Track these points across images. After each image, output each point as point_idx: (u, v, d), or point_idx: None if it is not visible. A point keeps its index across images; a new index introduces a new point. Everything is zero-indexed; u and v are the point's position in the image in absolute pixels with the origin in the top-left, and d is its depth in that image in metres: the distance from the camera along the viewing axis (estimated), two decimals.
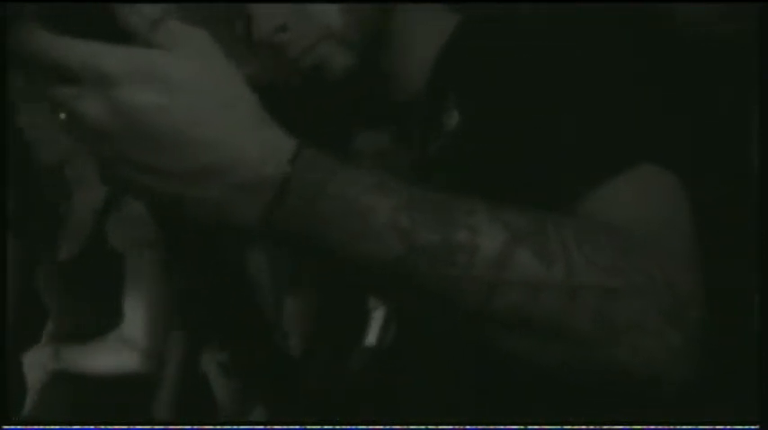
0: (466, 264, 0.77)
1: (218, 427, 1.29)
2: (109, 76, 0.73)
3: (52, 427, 1.02)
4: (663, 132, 0.93)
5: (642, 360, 0.79)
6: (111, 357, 2.71)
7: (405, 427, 0.93)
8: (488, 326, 0.79)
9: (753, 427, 0.89)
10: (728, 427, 0.88)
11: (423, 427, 0.92)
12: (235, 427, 1.18)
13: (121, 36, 0.75)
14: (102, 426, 1.01)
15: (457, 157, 1.03)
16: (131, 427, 1.10)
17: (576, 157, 0.90)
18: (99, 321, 2.67)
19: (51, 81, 0.75)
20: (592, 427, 0.88)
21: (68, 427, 1.01)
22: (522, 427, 0.90)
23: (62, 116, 0.75)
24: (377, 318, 1.08)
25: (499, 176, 0.96)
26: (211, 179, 0.76)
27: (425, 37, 1.10)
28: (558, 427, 0.89)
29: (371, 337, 1.08)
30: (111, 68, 0.73)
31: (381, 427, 0.93)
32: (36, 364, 2.64)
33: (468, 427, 0.91)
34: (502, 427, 0.90)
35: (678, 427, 0.88)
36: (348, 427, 0.95)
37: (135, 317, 2.72)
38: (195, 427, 1.02)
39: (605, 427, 0.88)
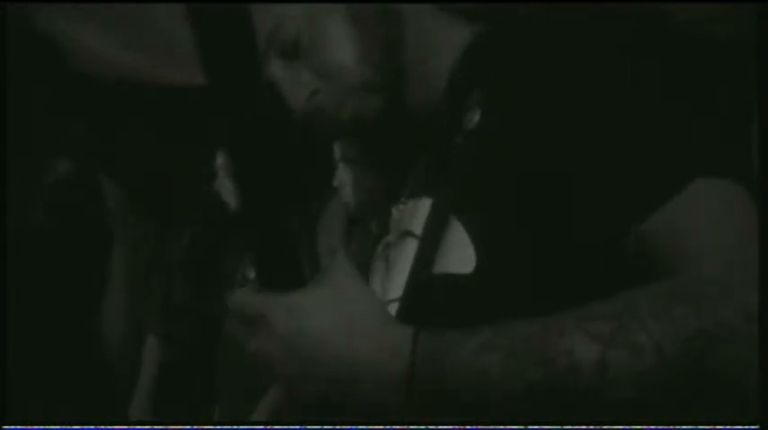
0: (573, 383, 0.88)
1: (218, 427, 1.29)
2: (267, 317, 0.96)
3: (52, 427, 1.01)
4: (704, 141, 0.97)
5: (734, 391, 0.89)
6: None
7: (405, 427, 0.93)
8: (600, 416, 0.91)
9: (753, 427, 0.89)
10: (728, 427, 0.88)
11: (423, 427, 0.92)
12: (235, 427, 1.18)
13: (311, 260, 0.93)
14: (102, 426, 1.01)
15: (478, 158, 1.04)
16: (131, 427, 1.10)
17: (626, 177, 0.95)
18: None
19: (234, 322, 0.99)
20: (592, 427, 0.88)
21: (68, 427, 1.01)
22: (522, 427, 0.90)
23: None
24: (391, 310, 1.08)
25: (521, 178, 0.98)
26: (348, 385, 0.94)
27: (442, 45, 1.12)
28: (559, 427, 0.89)
29: None
30: (269, 312, 0.96)
31: (381, 427, 0.93)
32: None
33: (468, 427, 0.91)
34: (502, 427, 0.90)
35: (678, 427, 0.88)
36: (348, 427, 0.95)
37: None
38: (195, 427, 1.01)
39: (605, 427, 0.88)
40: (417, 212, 1.09)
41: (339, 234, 0.99)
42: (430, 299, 1.04)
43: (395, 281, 1.09)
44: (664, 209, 0.93)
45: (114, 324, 3.51)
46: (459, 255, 1.02)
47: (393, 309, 1.08)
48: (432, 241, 1.05)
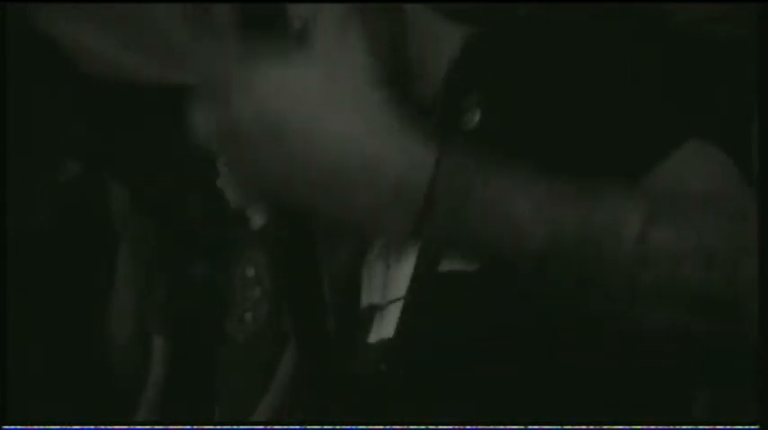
0: (611, 246, 0.79)
1: (218, 427, 1.29)
2: (252, 91, 0.77)
3: (52, 427, 1.01)
4: (694, 109, 0.97)
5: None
6: None
7: (405, 427, 0.93)
8: (635, 305, 0.81)
9: (753, 427, 0.89)
10: (728, 427, 0.88)
11: (423, 427, 0.92)
12: (235, 427, 1.18)
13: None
14: (102, 427, 1.01)
15: (478, 155, 1.04)
16: (131, 427, 1.09)
17: (626, 139, 0.94)
18: None
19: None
20: (592, 427, 0.88)
21: (68, 427, 1.01)
22: (522, 427, 0.90)
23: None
24: (392, 311, 1.08)
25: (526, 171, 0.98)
26: (352, 186, 0.77)
27: (441, 44, 1.13)
28: (558, 427, 0.89)
29: (388, 330, 1.08)
30: (257, 81, 0.77)
31: (381, 427, 0.93)
32: None
33: (468, 427, 0.91)
34: (501, 427, 0.90)
35: (678, 427, 0.88)
36: (348, 427, 0.95)
37: None
38: (195, 427, 1.01)
39: (605, 427, 0.88)
40: None
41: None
42: (437, 297, 1.04)
43: (397, 279, 1.09)
44: (663, 164, 0.91)
45: (121, 324, 3.52)
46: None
47: (397, 307, 1.08)
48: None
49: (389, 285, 1.10)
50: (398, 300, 1.08)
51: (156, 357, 3.39)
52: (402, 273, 1.08)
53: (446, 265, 1.02)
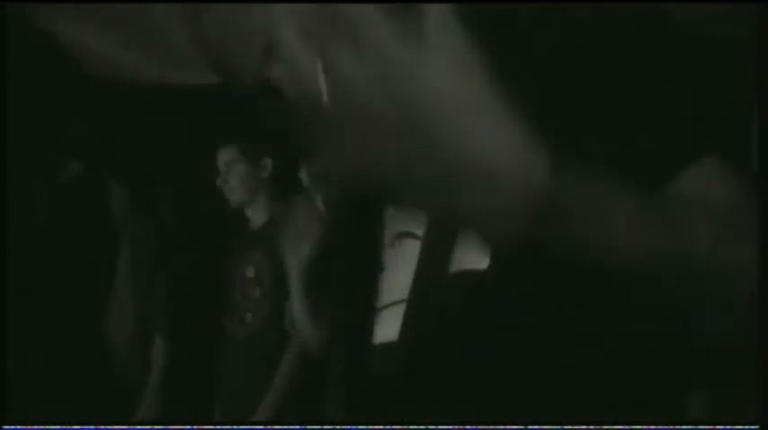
0: (700, 272, 0.81)
1: (218, 427, 1.29)
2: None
3: (52, 427, 1.01)
4: (707, 127, 0.97)
5: None
6: None
7: (405, 427, 0.93)
8: (702, 318, 0.84)
9: (753, 427, 0.89)
10: (728, 427, 0.88)
11: (423, 427, 0.92)
12: (235, 427, 1.18)
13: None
14: (102, 427, 1.01)
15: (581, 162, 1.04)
16: (131, 427, 1.09)
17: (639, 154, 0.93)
18: None
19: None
20: (592, 427, 0.88)
21: (68, 427, 1.01)
22: (522, 427, 0.90)
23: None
24: (388, 314, 1.08)
25: None
26: (469, 186, 0.76)
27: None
28: (558, 427, 0.89)
29: (392, 333, 1.08)
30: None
31: (381, 427, 0.93)
32: None
33: (468, 427, 0.91)
34: (501, 427, 0.90)
35: (678, 427, 0.88)
36: (348, 427, 0.95)
37: None
38: (195, 427, 1.02)
39: (605, 427, 0.88)
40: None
41: None
42: (444, 297, 1.04)
43: (394, 282, 1.08)
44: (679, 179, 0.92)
45: (121, 324, 3.52)
46: (472, 251, 1.01)
47: (398, 311, 1.07)
48: (439, 240, 1.04)
49: (383, 289, 1.09)
50: (396, 303, 1.07)
51: (156, 357, 3.39)
52: (397, 276, 1.08)
53: (454, 266, 1.02)
